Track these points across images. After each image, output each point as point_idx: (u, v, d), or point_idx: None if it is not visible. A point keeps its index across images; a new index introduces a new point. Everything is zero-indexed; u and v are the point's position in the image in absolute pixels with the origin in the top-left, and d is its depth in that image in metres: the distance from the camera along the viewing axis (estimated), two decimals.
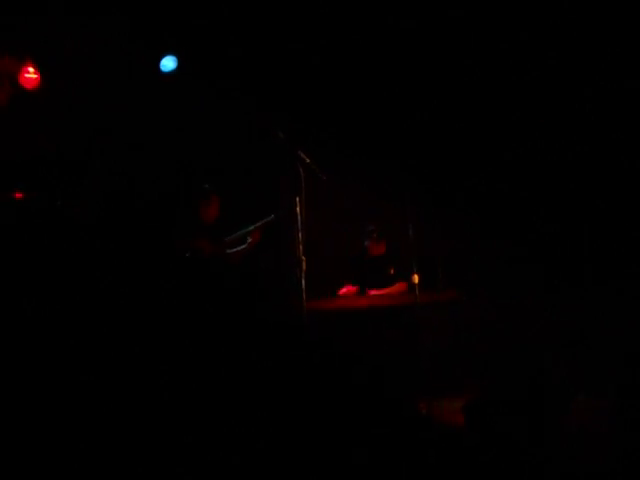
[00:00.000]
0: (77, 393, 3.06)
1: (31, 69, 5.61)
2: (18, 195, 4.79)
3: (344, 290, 5.86)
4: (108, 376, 3.15)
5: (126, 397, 3.09)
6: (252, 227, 5.74)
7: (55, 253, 3.86)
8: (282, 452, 3.04)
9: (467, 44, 6.15)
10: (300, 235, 4.27)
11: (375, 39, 6.16)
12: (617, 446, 3.50)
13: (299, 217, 4.27)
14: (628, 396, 3.91)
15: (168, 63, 6.06)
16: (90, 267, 3.79)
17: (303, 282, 4.26)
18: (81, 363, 3.20)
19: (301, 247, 4.27)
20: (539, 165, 6.34)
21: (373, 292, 5.83)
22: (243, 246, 5.79)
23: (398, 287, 5.91)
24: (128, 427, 2.96)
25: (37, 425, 2.91)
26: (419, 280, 5.09)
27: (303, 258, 4.27)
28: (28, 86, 5.65)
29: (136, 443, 2.94)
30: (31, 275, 3.64)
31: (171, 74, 6.09)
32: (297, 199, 4.27)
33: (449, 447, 3.32)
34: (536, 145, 6.32)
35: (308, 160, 4.31)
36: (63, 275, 3.68)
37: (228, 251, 5.78)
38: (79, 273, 3.72)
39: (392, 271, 6.02)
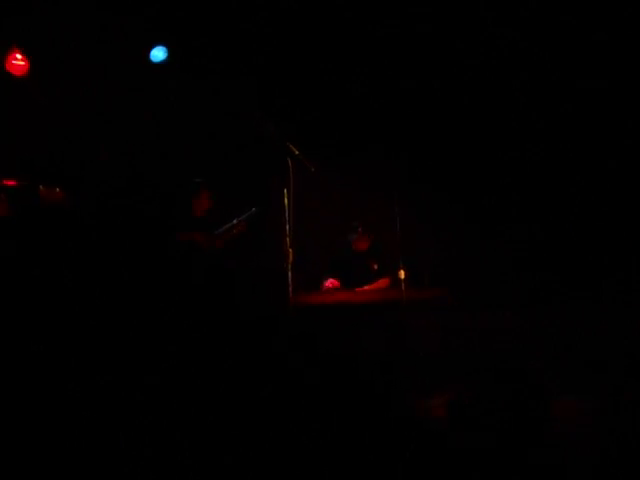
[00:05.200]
0: (71, 382, 3.05)
1: (19, 56, 5.57)
2: (9, 183, 4.76)
3: (328, 284, 5.83)
4: (99, 364, 3.13)
5: (117, 387, 3.08)
6: (235, 221, 5.72)
7: (50, 245, 3.83)
8: (266, 449, 3.02)
9: (464, 42, 6.15)
10: (287, 227, 4.24)
11: (367, 34, 6.15)
12: (601, 447, 3.50)
13: (287, 209, 4.24)
14: (613, 398, 3.92)
15: (158, 53, 6.02)
16: (86, 257, 3.77)
17: (289, 275, 4.23)
18: (77, 354, 3.18)
19: (288, 240, 4.23)
20: (535, 167, 6.34)
21: (357, 289, 5.80)
22: (228, 226, 5.75)
23: (381, 283, 5.91)
24: (114, 415, 2.95)
25: (37, 420, 2.89)
26: (405, 276, 5.08)
27: (290, 251, 4.24)
28: (16, 73, 5.61)
29: (122, 436, 2.92)
30: (25, 267, 3.62)
31: (161, 65, 6.06)
32: (285, 191, 4.24)
33: (432, 444, 3.32)
34: (532, 146, 6.32)
35: (297, 152, 4.28)
36: (59, 267, 3.65)
37: (216, 232, 5.76)
38: (74, 264, 3.70)
39: (375, 267, 6.00)
